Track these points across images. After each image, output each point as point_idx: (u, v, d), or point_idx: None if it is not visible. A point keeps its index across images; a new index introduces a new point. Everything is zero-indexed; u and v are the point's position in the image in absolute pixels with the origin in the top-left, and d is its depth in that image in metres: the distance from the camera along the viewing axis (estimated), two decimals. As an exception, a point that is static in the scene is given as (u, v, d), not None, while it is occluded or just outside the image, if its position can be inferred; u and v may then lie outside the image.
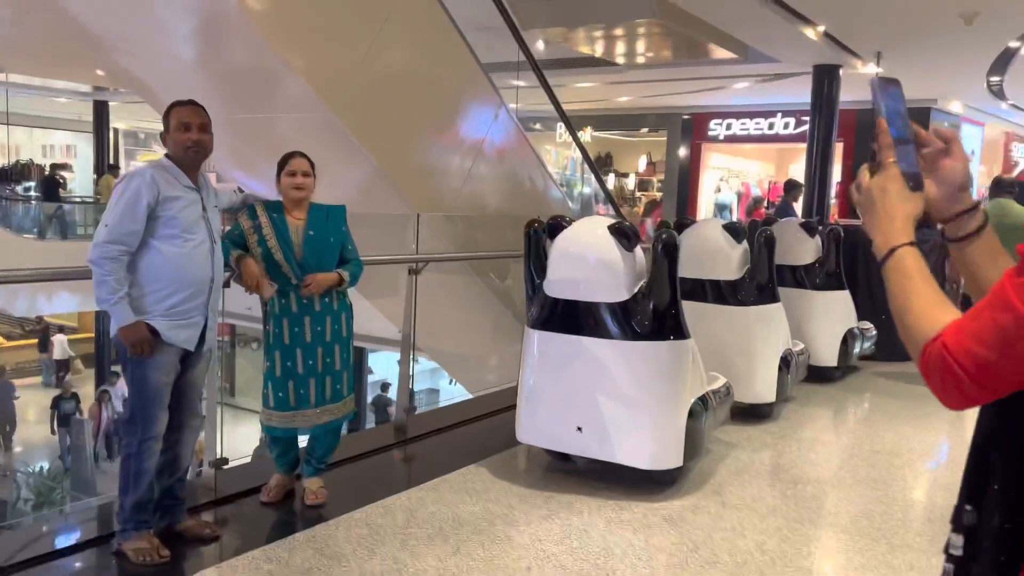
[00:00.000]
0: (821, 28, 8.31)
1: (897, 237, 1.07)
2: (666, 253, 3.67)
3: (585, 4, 8.55)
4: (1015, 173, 16.16)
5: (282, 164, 3.45)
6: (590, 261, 3.67)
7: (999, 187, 6.18)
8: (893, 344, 7.17)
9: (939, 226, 1.17)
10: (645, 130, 16.90)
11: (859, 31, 8.51)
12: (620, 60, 11.09)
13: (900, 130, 1.11)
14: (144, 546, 2.94)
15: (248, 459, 4.86)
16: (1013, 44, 8.50)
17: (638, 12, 8.52)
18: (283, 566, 2.96)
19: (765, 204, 14.02)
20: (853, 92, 10.61)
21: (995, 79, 10.57)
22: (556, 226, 3.82)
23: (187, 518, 3.21)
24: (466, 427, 4.93)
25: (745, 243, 5.04)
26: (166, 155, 3.02)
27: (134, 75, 6.45)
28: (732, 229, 5.02)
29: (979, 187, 12.85)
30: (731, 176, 16.27)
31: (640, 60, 11.27)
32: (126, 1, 5.38)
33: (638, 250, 3.71)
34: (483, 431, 4.89)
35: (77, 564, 3.07)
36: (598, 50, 10.81)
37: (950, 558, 1.08)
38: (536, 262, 3.90)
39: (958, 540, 1.07)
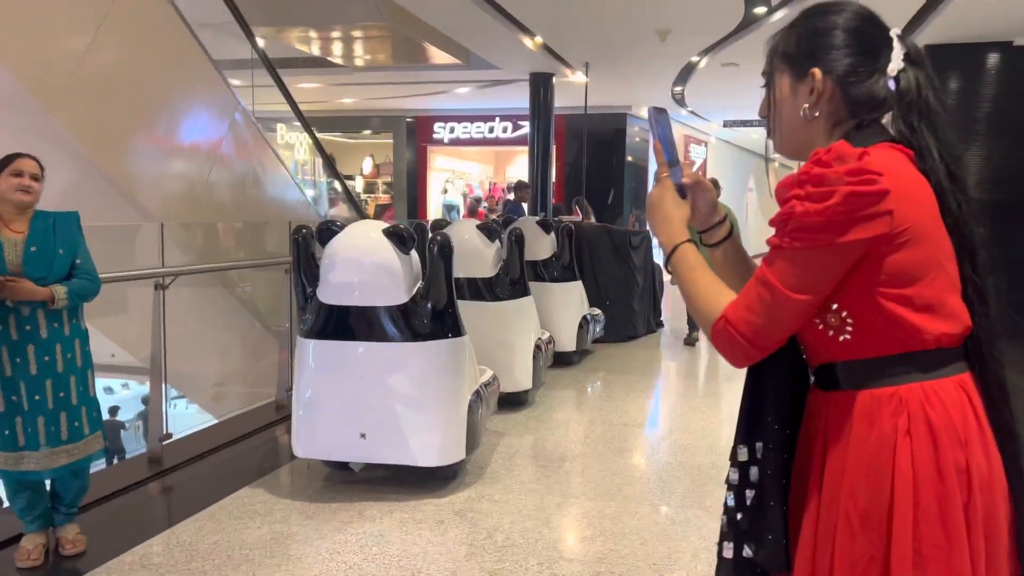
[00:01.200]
0: (539, 39, 8.92)
1: (677, 236, 1.32)
2: (442, 254, 3.76)
3: (308, 3, 8.32)
4: (693, 169, 18.61)
5: (3, 164, 2.99)
6: (367, 265, 3.63)
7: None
8: (617, 326, 8.00)
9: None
10: (368, 132, 16.87)
11: (571, 43, 9.26)
12: (338, 61, 10.96)
13: (670, 153, 1.36)
14: None
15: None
16: (694, 59, 9.80)
17: (363, 15, 8.49)
18: (52, 629, 2.62)
19: (484, 204, 14.70)
20: (564, 99, 11.55)
21: (678, 89, 12.09)
22: (327, 231, 3.73)
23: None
24: (228, 449, 4.64)
25: (498, 242, 5.30)
26: None
27: None
28: (486, 229, 5.25)
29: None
30: (456, 178, 16.83)
31: (359, 63, 11.23)
32: None
33: (413, 252, 3.75)
34: (248, 451, 4.65)
35: None
36: (315, 50, 10.59)
37: (729, 487, 1.32)
38: (307, 270, 3.78)
39: (734, 473, 1.31)
